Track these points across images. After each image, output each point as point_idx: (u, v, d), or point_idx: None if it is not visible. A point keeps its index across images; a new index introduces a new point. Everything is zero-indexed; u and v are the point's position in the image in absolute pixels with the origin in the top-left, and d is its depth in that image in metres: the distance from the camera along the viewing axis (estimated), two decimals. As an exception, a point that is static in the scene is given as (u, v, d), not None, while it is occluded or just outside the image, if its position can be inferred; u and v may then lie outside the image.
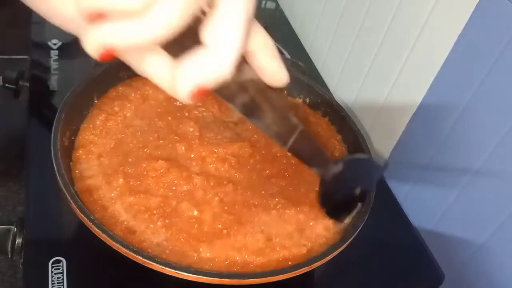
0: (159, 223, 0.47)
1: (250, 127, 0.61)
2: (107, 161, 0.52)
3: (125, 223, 0.47)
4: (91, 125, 0.55)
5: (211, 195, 0.51)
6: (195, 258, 0.46)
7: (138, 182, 0.50)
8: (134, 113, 0.58)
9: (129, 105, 0.58)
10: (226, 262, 0.46)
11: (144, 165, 0.51)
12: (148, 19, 0.23)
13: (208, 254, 0.46)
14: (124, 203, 0.48)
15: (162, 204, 0.49)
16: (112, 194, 0.49)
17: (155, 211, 0.48)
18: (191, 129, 0.57)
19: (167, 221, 0.48)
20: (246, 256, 0.47)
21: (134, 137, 0.55)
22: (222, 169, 0.54)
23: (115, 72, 0.60)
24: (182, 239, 0.47)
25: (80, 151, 0.52)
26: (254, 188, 0.53)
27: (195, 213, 0.49)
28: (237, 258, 0.47)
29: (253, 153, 0.57)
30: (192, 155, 0.54)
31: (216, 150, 0.55)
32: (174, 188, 0.51)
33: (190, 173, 0.52)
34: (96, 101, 0.58)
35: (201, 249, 0.47)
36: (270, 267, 0.47)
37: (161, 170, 0.51)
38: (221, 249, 0.47)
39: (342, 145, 0.63)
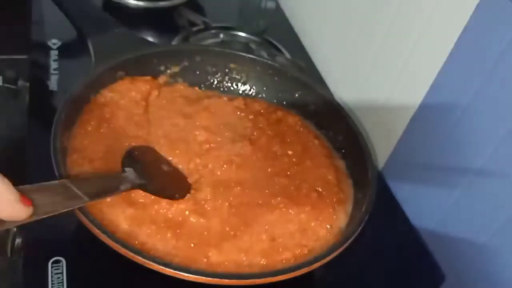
0: (168, 235, 0.47)
1: (250, 125, 0.61)
2: (101, 165, 0.51)
3: (126, 227, 0.47)
4: (83, 131, 0.54)
5: (221, 202, 0.51)
6: (205, 262, 0.46)
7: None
8: (126, 120, 0.57)
9: (120, 111, 0.58)
10: (234, 264, 0.47)
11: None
12: None
13: (217, 258, 0.46)
14: (124, 213, 0.48)
15: (170, 216, 0.49)
16: (108, 199, 0.48)
17: (162, 224, 0.48)
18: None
19: (178, 231, 0.48)
20: (252, 257, 0.47)
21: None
22: (228, 170, 0.55)
23: (114, 72, 0.60)
24: (192, 245, 0.47)
25: (74, 156, 0.51)
26: (259, 187, 0.53)
27: (202, 220, 0.49)
28: (244, 259, 0.47)
29: (255, 151, 0.57)
30: (192, 165, 0.55)
31: (217, 154, 0.55)
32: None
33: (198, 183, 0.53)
34: (85, 106, 0.57)
35: (210, 254, 0.46)
36: (274, 268, 0.47)
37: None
38: (229, 251, 0.47)
39: (341, 145, 0.63)
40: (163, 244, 0.47)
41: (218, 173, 0.54)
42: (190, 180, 0.54)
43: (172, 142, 0.57)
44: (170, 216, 0.49)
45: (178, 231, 0.48)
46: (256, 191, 0.53)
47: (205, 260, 0.46)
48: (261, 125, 0.62)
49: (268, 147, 0.59)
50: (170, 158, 0.55)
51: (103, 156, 0.52)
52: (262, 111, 0.65)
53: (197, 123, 0.60)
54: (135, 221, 0.48)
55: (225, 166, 0.55)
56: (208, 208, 0.50)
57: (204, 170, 0.55)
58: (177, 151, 0.56)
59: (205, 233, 0.48)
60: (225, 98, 0.65)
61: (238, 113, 0.63)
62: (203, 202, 0.51)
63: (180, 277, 0.42)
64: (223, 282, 0.43)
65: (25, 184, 0.38)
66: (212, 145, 0.57)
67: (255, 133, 0.60)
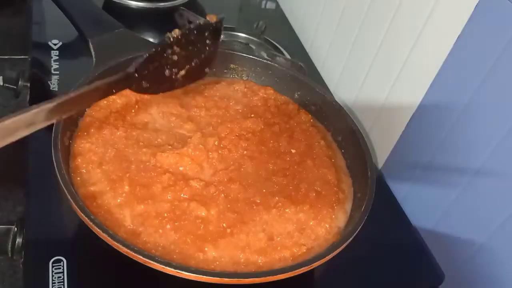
0: (168, 226, 0.48)
1: (259, 104, 0.65)
2: (111, 168, 0.52)
3: (130, 226, 0.47)
4: (85, 133, 0.54)
5: (217, 193, 0.51)
6: (201, 258, 0.46)
7: (145, 190, 0.50)
8: (129, 121, 0.58)
9: (123, 112, 0.58)
10: (231, 261, 0.47)
11: (150, 177, 0.52)
12: None
13: (213, 253, 0.47)
14: (133, 211, 0.49)
15: (173, 207, 0.49)
16: (118, 200, 0.49)
17: (165, 214, 0.49)
18: (188, 132, 0.58)
19: (176, 223, 0.48)
20: (249, 255, 0.47)
21: (135, 146, 0.55)
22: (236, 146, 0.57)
23: (114, 73, 0.60)
24: (189, 240, 0.47)
25: (79, 160, 0.52)
26: (257, 186, 0.53)
27: (203, 213, 0.49)
28: (241, 256, 0.47)
29: (262, 140, 0.59)
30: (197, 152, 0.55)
31: (216, 143, 0.56)
32: (182, 195, 0.51)
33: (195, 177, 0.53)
34: (87, 109, 0.57)
35: (206, 249, 0.47)
36: (272, 267, 0.47)
37: (169, 182, 0.51)
38: (225, 248, 0.47)
39: (341, 145, 0.63)
40: (164, 240, 0.47)
41: (227, 150, 0.56)
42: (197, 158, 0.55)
43: (174, 135, 0.58)
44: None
45: (176, 223, 0.48)
46: (253, 189, 0.53)
47: (202, 255, 0.46)
48: (272, 109, 0.64)
49: (275, 140, 0.59)
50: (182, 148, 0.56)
51: (113, 159, 0.53)
52: (272, 97, 0.66)
53: (195, 108, 0.61)
54: (140, 219, 0.48)
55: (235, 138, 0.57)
56: (205, 196, 0.51)
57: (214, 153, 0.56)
58: (187, 143, 0.56)
59: (202, 226, 0.48)
60: (223, 83, 0.66)
61: (241, 94, 0.65)
62: (198, 186, 0.52)
63: (180, 276, 0.42)
64: (223, 281, 0.43)
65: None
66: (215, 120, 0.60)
67: (267, 115, 0.62)
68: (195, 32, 0.53)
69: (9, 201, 0.83)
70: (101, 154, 0.53)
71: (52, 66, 0.73)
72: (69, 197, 0.45)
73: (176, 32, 0.51)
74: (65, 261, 0.50)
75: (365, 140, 0.59)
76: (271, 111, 0.64)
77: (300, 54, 0.88)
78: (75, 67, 0.75)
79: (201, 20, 0.54)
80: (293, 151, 0.59)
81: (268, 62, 0.69)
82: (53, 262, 0.49)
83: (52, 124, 0.50)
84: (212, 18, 0.55)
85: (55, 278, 0.48)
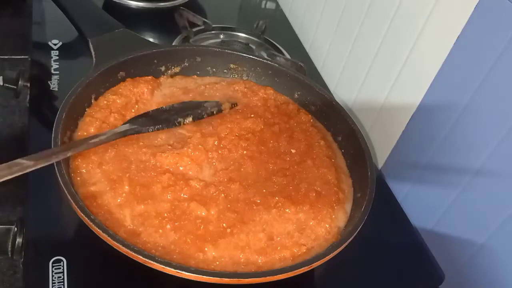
0: (168, 226, 0.48)
1: (259, 104, 0.65)
2: (111, 168, 0.52)
3: (130, 226, 0.47)
4: (85, 133, 0.54)
5: (217, 193, 0.51)
6: (201, 258, 0.46)
7: (145, 190, 0.50)
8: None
9: (123, 112, 0.58)
10: (231, 261, 0.47)
11: (150, 177, 0.52)
12: None
13: (213, 253, 0.47)
14: (133, 211, 0.49)
15: (173, 207, 0.49)
16: (118, 200, 0.49)
17: (165, 214, 0.49)
18: (188, 132, 0.58)
19: (176, 223, 0.48)
20: (249, 255, 0.47)
21: (135, 146, 0.55)
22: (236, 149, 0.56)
23: (114, 73, 0.60)
24: (189, 240, 0.47)
25: (79, 160, 0.52)
26: (257, 186, 0.53)
27: (203, 213, 0.49)
28: (241, 256, 0.47)
29: (261, 140, 0.58)
30: (197, 152, 0.55)
31: (216, 143, 0.56)
32: (182, 194, 0.51)
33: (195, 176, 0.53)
34: (87, 109, 0.57)
35: (206, 249, 0.47)
36: (272, 267, 0.47)
37: (169, 182, 0.51)
38: (225, 248, 0.47)
39: (341, 145, 0.63)
40: (164, 240, 0.47)
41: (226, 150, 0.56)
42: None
43: (174, 134, 0.58)
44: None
45: (176, 223, 0.48)
46: (253, 189, 0.53)
47: (202, 255, 0.46)
48: (272, 109, 0.64)
49: (275, 140, 0.59)
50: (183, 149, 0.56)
51: (113, 159, 0.52)
52: (272, 97, 0.66)
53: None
54: (140, 219, 0.48)
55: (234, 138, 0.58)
56: (205, 196, 0.51)
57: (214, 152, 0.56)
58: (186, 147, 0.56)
59: (202, 226, 0.48)
60: (223, 83, 0.66)
61: (241, 94, 0.65)
62: (198, 186, 0.52)
63: (180, 276, 0.42)
64: (223, 281, 0.43)
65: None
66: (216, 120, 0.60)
67: (267, 115, 0.62)
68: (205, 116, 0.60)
69: (9, 201, 0.83)
70: (101, 154, 0.53)
71: (52, 66, 0.73)
72: (69, 197, 0.45)
73: (188, 120, 0.59)
74: (65, 261, 0.50)
75: (365, 140, 0.59)
76: (271, 111, 0.64)
77: (300, 54, 0.88)
78: (75, 67, 0.75)
79: (215, 110, 0.61)
80: (293, 151, 0.59)
81: (268, 62, 0.69)
82: (53, 262, 0.49)
83: (52, 125, 0.50)
84: (226, 108, 0.62)
85: (55, 278, 0.48)
